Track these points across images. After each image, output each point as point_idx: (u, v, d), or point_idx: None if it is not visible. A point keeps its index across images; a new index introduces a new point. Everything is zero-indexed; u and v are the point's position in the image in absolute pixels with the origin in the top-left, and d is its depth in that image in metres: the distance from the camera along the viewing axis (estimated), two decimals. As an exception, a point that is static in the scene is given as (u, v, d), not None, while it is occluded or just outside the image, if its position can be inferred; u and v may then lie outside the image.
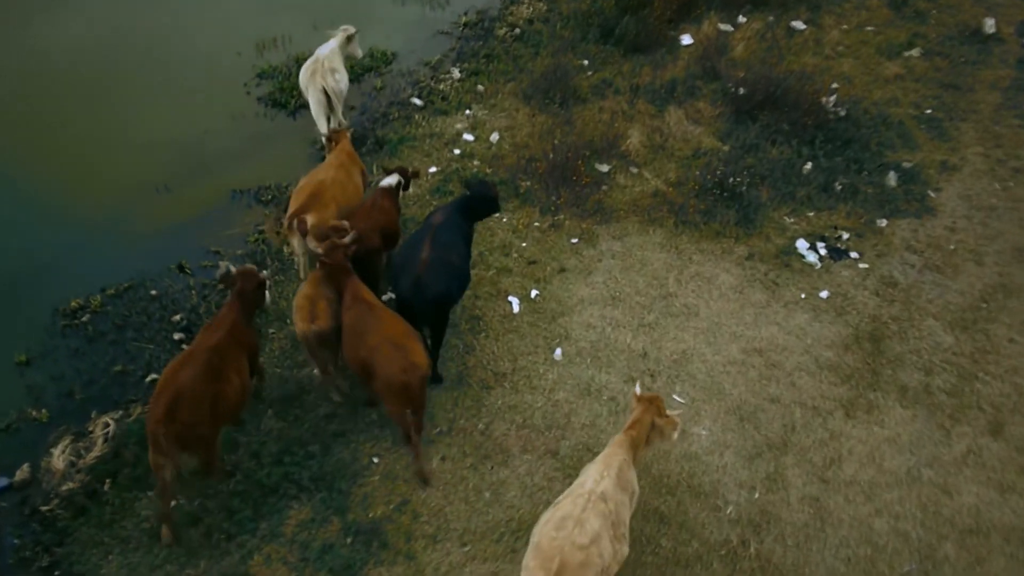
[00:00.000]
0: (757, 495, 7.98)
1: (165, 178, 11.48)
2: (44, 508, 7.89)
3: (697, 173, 11.41)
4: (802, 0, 14.76)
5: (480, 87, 13.14)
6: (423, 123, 12.48)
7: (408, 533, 7.60)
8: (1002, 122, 12.58)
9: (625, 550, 6.58)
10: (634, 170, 11.62)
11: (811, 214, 11.01)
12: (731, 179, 11.07)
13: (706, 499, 7.92)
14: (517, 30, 14.53)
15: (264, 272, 8.45)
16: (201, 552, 7.47)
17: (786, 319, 9.68)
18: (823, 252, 10.50)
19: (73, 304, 9.77)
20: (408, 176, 9.87)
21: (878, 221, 10.95)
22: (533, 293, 9.89)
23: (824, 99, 12.37)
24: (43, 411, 8.74)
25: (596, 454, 7.17)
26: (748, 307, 9.80)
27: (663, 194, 11.22)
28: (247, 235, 10.79)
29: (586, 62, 13.60)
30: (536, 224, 10.79)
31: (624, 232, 10.72)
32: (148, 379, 9.02)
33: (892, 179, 11.48)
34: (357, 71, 13.07)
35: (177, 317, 9.69)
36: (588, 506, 6.30)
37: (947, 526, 7.79)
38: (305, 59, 11.85)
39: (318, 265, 8.38)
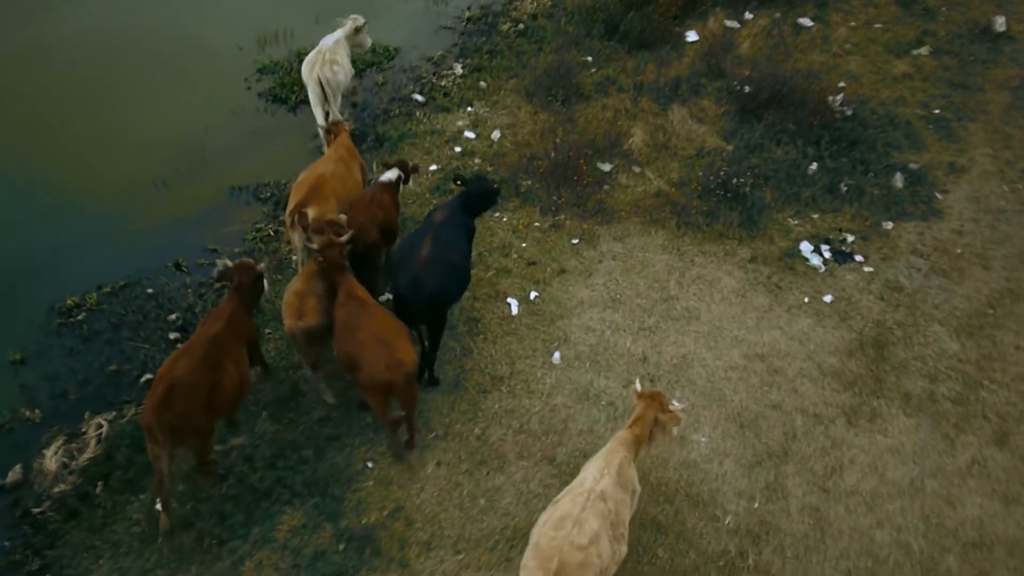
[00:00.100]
0: (756, 505, 7.86)
1: (164, 175, 11.38)
2: (36, 510, 7.84)
3: (700, 173, 11.25)
4: (809, -3, 14.60)
5: (482, 83, 12.99)
6: (424, 120, 12.35)
7: (402, 540, 7.51)
8: (1012, 122, 12.38)
9: (624, 550, 6.51)
10: (637, 169, 11.48)
11: (816, 216, 10.85)
12: (735, 179, 10.91)
13: (704, 508, 7.81)
14: (521, 25, 14.38)
15: (261, 264, 8.40)
16: (192, 557, 7.39)
17: (789, 324, 9.54)
18: (827, 255, 10.34)
19: (69, 302, 9.70)
20: (408, 170, 9.78)
21: (884, 223, 10.78)
22: (532, 295, 9.76)
23: (831, 98, 12.19)
24: (36, 411, 8.68)
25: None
26: (750, 311, 9.66)
27: (665, 194, 11.07)
28: (245, 232, 10.69)
29: (590, 58, 13.44)
30: (536, 224, 10.66)
31: (625, 233, 10.58)
32: (143, 379, 8.95)
33: (899, 180, 11.31)
34: (359, 66, 12.95)
35: (173, 316, 9.62)
36: (587, 505, 6.25)
37: (950, 538, 7.67)
38: (307, 53, 11.75)
39: (313, 260, 8.31)
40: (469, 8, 14.82)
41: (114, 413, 8.64)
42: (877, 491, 8.00)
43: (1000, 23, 13.91)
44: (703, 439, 8.36)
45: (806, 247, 10.40)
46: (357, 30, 11.91)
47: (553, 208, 10.82)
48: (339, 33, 11.76)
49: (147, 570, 7.33)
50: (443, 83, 13.13)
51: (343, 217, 8.64)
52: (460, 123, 12.24)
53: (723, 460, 8.21)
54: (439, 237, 8.37)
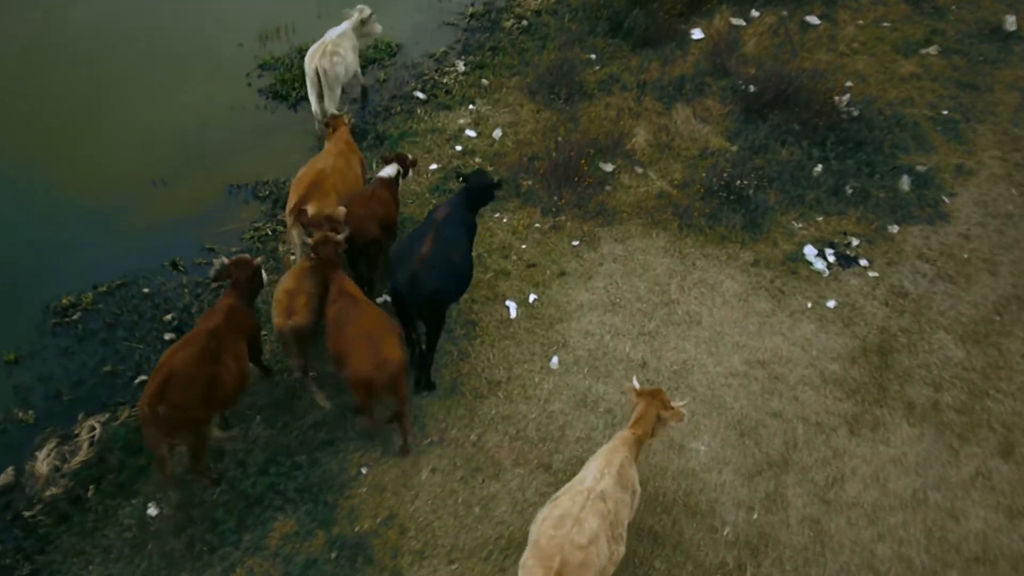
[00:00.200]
0: (756, 516, 7.73)
1: (163, 172, 11.31)
2: (27, 514, 7.76)
3: (703, 174, 11.09)
4: (817, -6, 14.40)
5: (484, 81, 12.86)
6: (425, 117, 12.23)
7: (395, 548, 7.41)
8: (1021, 124, 12.18)
9: (622, 551, 6.44)
10: (639, 170, 11.32)
11: (820, 219, 10.69)
12: (738, 181, 10.75)
13: (702, 519, 7.68)
14: (524, 22, 14.24)
15: (258, 258, 8.37)
16: (183, 564, 7.31)
17: (791, 329, 9.39)
18: (831, 259, 10.19)
19: (65, 302, 9.62)
20: (406, 165, 9.72)
21: (889, 227, 10.62)
22: (531, 298, 9.64)
23: (837, 98, 12.00)
24: (30, 412, 8.60)
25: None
26: (752, 316, 9.52)
27: (668, 196, 10.92)
28: (243, 231, 10.60)
29: (593, 56, 13.29)
30: (537, 225, 10.53)
31: (627, 235, 10.44)
32: (137, 381, 8.87)
33: (905, 183, 11.13)
34: (360, 63, 12.82)
35: (168, 317, 9.53)
36: (587, 504, 6.20)
37: (953, 553, 7.52)
38: (307, 49, 11.63)
39: (305, 256, 8.27)
40: (472, 4, 14.71)
41: (107, 415, 8.55)
42: (879, 503, 7.85)
43: (1011, 23, 13.71)
44: (702, 447, 8.23)
45: (810, 251, 10.25)
46: (363, 21, 11.83)
47: (554, 209, 10.69)
48: (345, 25, 11.69)
49: (137, 576, 7.27)
50: (445, 80, 13.00)
51: (342, 210, 8.57)
52: (461, 121, 12.11)
53: (722, 469, 8.08)
54: (440, 235, 8.28)
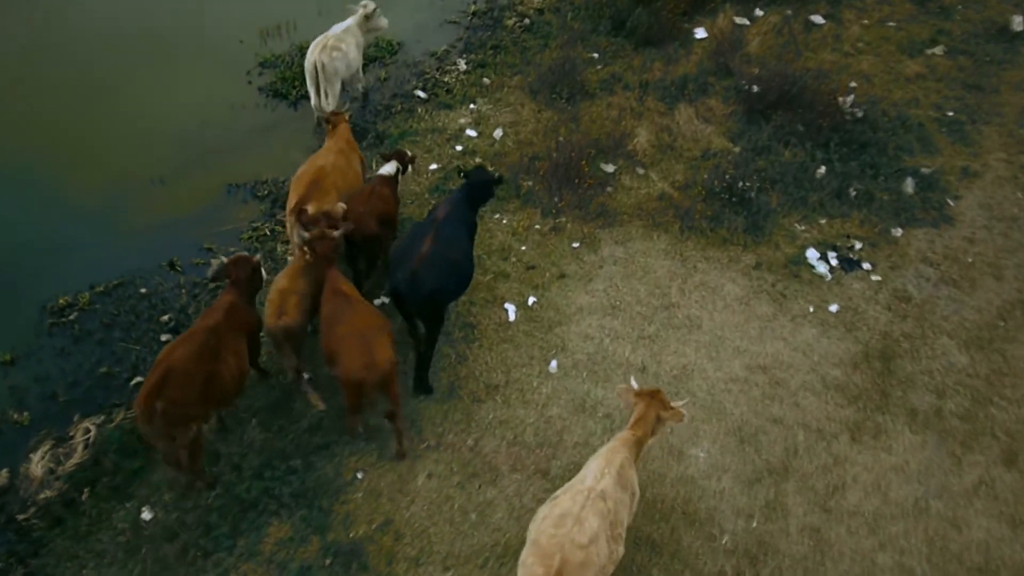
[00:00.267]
0: (755, 524, 7.64)
1: (161, 171, 11.23)
2: (21, 517, 7.69)
3: (705, 176, 10.99)
4: (822, -7, 14.28)
5: (486, 80, 12.77)
6: (426, 117, 12.15)
7: (390, 555, 7.33)
8: (1028, 126, 12.08)
9: (621, 551, 6.40)
10: (640, 171, 11.23)
11: (823, 221, 10.59)
12: (741, 183, 10.65)
13: (701, 527, 7.60)
14: (527, 20, 14.15)
15: (257, 256, 8.38)
16: (176, 569, 7.24)
17: (793, 334, 9.30)
18: (834, 262, 10.09)
19: (61, 302, 9.54)
20: (406, 161, 9.68)
21: (893, 230, 10.51)
22: (531, 300, 9.55)
23: (841, 99, 11.89)
24: (25, 414, 8.53)
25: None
26: (753, 320, 9.42)
27: (669, 197, 10.82)
28: (241, 231, 10.52)
29: (596, 55, 13.20)
30: (537, 227, 10.44)
31: (627, 237, 10.34)
32: (132, 382, 8.80)
33: (909, 186, 11.02)
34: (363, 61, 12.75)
35: (165, 317, 9.45)
36: (587, 504, 6.16)
37: (954, 563, 7.42)
38: (308, 47, 11.56)
39: (300, 251, 8.26)
40: (475, 2, 14.63)
41: (103, 417, 8.48)
42: (880, 511, 7.76)
43: (1018, 23, 13.60)
44: (701, 454, 8.15)
45: (812, 254, 10.15)
46: (368, 16, 11.75)
47: (554, 210, 10.60)
48: (349, 21, 11.60)
49: (130, 582, 7.21)
50: (446, 79, 12.92)
51: (341, 206, 8.52)
52: (462, 120, 12.02)
53: (721, 476, 7.99)
54: (441, 234, 8.23)
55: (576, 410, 8.48)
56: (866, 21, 13.87)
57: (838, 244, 10.32)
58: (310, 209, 8.65)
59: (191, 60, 12.93)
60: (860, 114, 11.88)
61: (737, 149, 11.50)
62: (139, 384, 8.48)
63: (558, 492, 6.47)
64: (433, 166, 11.24)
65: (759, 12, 13.88)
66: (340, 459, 8.03)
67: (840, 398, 8.69)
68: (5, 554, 7.40)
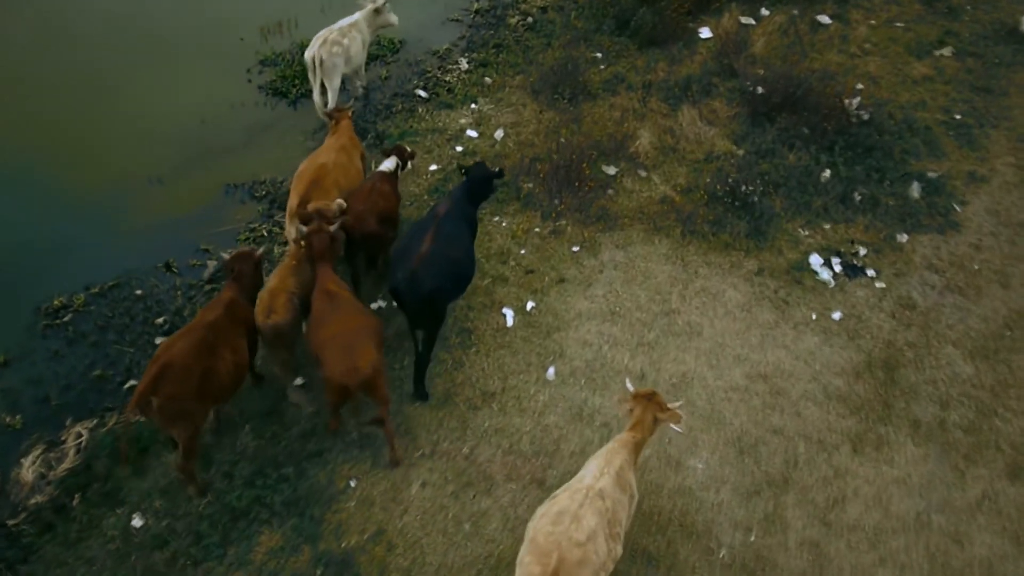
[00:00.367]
0: (753, 537, 7.52)
1: (159, 170, 11.15)
2: (11, 522, 7.63)
3: (708, 179, 10.84)
4: (830, -7, 14.08)
5: (487, 79, 12.64)
6: (427, 116, 12.02)
7: (381, 566, 7.24)
8: (1037, 130, 11.89)
9: (619, 550, 6.34)
10: (642, 173, 11.08)
11: (827, 227, 10.43)
12: (744, 187, 10.50)
13: (698, 540, 7.47)
14: (530, 19, 14.00)
15: (259, 250, 8.34)
16: (166, 578, 7.17)
17: (794, 342, 9.16)
18: (838, 269, 9.94)
19: (56, 303, 9.48)
20: (405, 156, 9.62)
21: (898, 236, 10.35)
22: (529, 305, 9.43)
23: (847, 101, 11.70)
24: (17, 417, 8.46)
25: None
26: (755, 327, 9.28)
27: (671, 201, 10.67)
28: (238, 232, 10.43)
29: (599, 55, 13.04)
30: (536, 230, 10.31)
31: (628, 241, 10.21)
32: (126, 386, 8.72)
33: (915, 190, 10.85)
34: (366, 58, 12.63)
35: (160, 320, 9.37)
36: (586, 502, 6.13)
37: (956, 580, 7.31)
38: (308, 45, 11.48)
39: (295, 247, 8.23)
40: (478, 0, 14.43)
41: (95, 421, 8.41)
42: (881, 526, 7.63)
43: (1028, 24, 13.39)
44: (700, 465, 8.02)
45: (816, 260, 9.99)
46: (377, 11, 11.64)
47: (554, 213, 10.46)
48: (356, 15, 11.49)
49: (120, 590, 7.14)
50: (448, 78, 12.79)
51: (338, 202, 8.47)
52: (463, 120, 11.90)
53: (720, 488, 7.86)
54: (441, 231, 8.15)
55: (573, 418, 8.37)
56: (873, 21, 13.67)
57: (842, 250, 10.16)
58: (310, 206, 8.59)
59: (191, 58, 12.83)
60: (866, 116, 11.69)
61: (741, 152, 11.35)
62: (133, 387, 8.41)
63: (557, 491, 6.42)
64: (433, 167, 11.13)
65: (765, 12, 13.71)
66: (333, 467, 7.94)
67: (842, 408, 8.55)
68: (-6, 561, 7.36)
